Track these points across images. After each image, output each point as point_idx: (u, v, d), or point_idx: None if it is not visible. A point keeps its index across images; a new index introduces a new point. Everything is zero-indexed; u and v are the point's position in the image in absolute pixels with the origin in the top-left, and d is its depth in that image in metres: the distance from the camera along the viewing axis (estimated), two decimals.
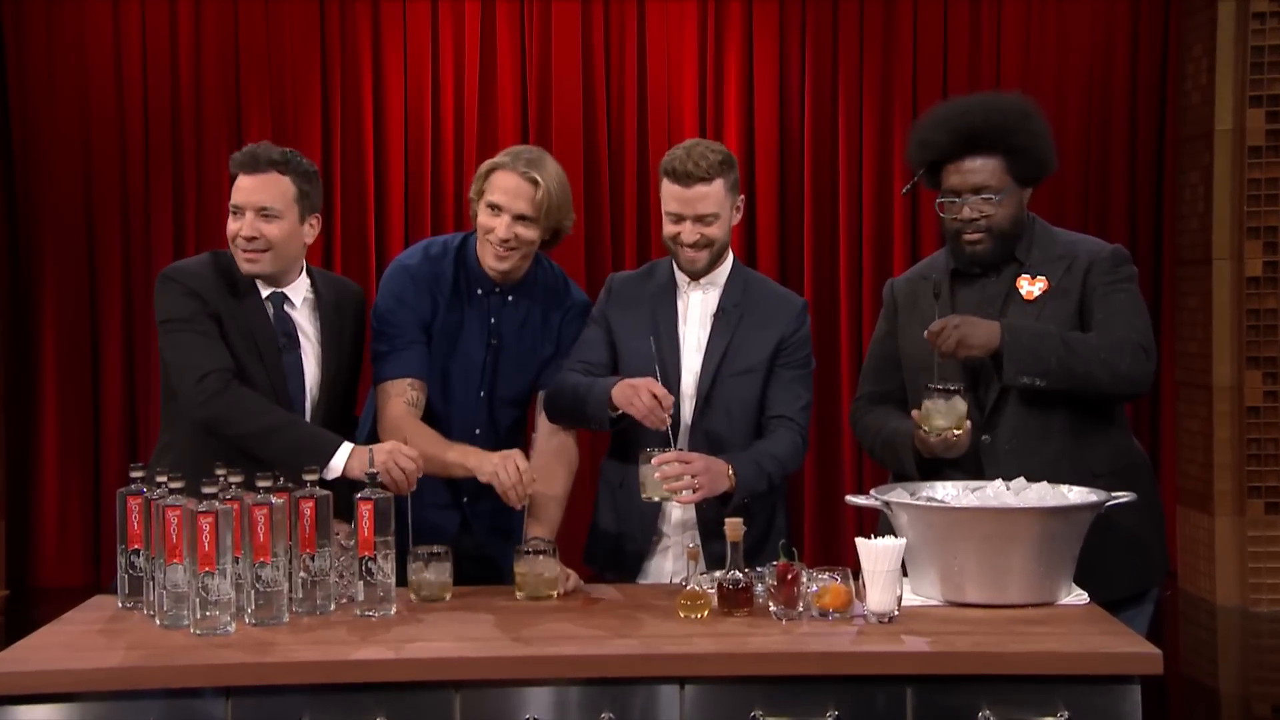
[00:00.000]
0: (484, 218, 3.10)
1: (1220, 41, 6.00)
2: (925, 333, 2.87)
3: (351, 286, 3.25)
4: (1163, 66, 6.44)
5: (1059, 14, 6.42)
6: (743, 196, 3.19)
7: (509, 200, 3.06)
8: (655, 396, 2.92)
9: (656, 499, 2.98)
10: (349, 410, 3.22)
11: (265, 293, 3.03)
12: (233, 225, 2.99)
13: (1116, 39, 6.44)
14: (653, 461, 2.92)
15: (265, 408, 2.91)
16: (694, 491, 2.92)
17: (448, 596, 2.81)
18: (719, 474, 2.97)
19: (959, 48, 6.43)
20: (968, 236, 2.99)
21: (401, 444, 2.88)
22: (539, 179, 3.05)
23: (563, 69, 6.35)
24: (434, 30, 6.36)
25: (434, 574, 2.81)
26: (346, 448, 2.87)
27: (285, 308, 3.05)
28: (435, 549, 2.83)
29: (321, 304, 3.10)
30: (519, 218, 3.07)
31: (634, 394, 2.93)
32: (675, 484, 2.91)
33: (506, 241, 3.08)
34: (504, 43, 6.35)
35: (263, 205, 2.98)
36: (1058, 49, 6.43)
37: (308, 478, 2.67)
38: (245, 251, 2.99)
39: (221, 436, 2.87)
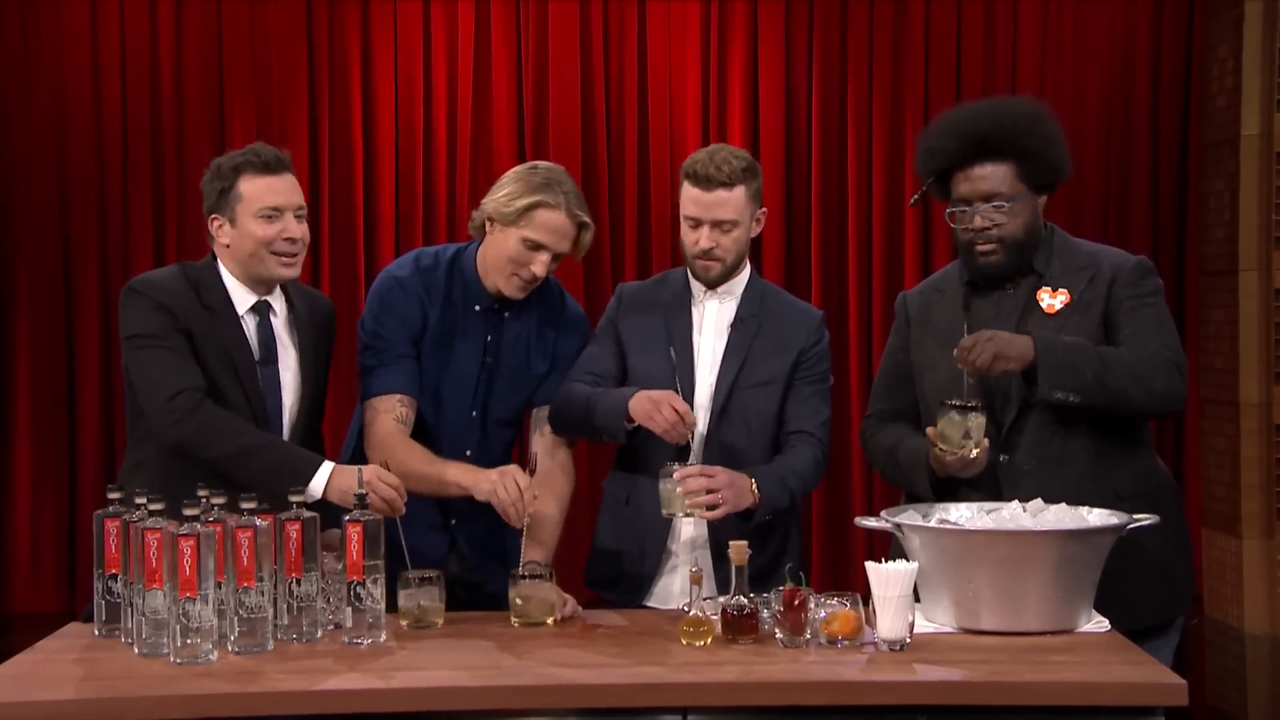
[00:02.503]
0: (518, 251, 3.09)
1: (1247, 43, 6.01)
2: (955, 349, 2.88)
3: (321, 298, 3.26)
4: (1186, 69, 6.46)
5: (1077, 14, 6.45)
6: (764, 210, 3.22)
7: (555, 241, 3.08)
8: (677, 412, 2.94)
9: (680, 515, 2.99)
10: (319, 426, 3.23)
11: (249, 302, 3.03)
12: (268, 229, 2.97)
13: (1138, 40, 6.46)
14: (674, 476, 2.93)
15: (240, 428, 2.91)
16: (718, 507, 2.94)
17: (439, 623, 2.81)
18: (743, 489, 2.99)
19: (972, 49, 6.45)
20: (980, 247, 3.00)
21: (382, 469, 2.88)
22: (588, 221, 3.10)
23: (560, 72, 6.37)
24: (426, 31, 6.37)
25: (425, 599, 2.81)
26: (326, 468, 2.87)
27: (270, 317, 3.06)
28: (426, 573, 2.83)
29: (297, 316, 3.11)
30: (557, 256, 3.10)
31: (654, 409, 2.95)
32: (699, 499, 2.92)
33: (539, 278, 3.11)
34: (499, 44, 6.37)
35: (300, 205, 3.02)
36: (1076, 51, 6.45)
37: (294, 499, 2.68)
38: (286, 255, 3.00)
39: (194, 459, 2.87)
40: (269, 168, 2.99)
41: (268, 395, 3.02)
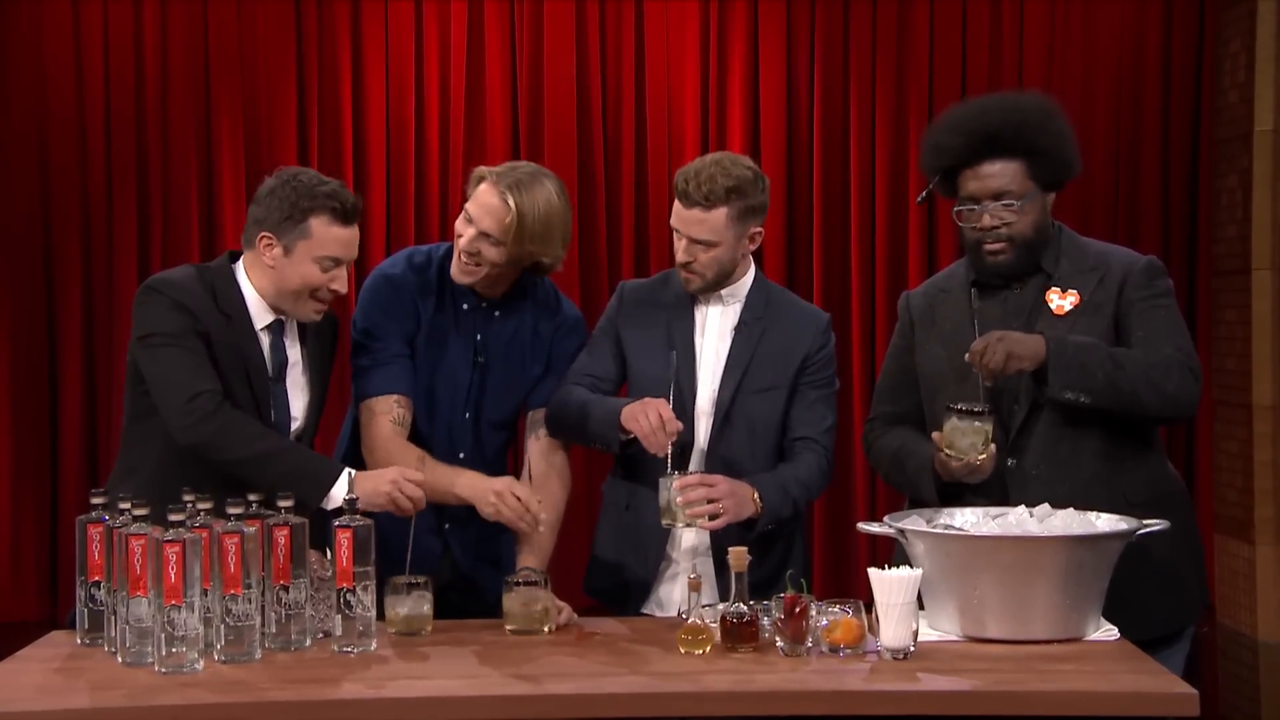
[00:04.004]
0: (459, 221, 3.13)
1: (1260, 36, 6.01)
2: (967, 354, 2.88)
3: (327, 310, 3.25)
4: (1198, 63, 6.46)
5: (1085, 8, 6.44)
6: (759, 230, 3.17)
7: (479, 215, 3.08)
8: (661, 418, 2.94)
9: (679, 525, 2.99)
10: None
11: (266, 320, 3.02)
12: (320, 277, 2.96)
13: (1148, 34, 6.46)
14: (674, 485, 2.93)
15: (260, 432, 2.91)
16: (718, 517, 2.94)
17: (428, 630, 2.82)
18: (744, 498, 3.00)
19: (978, 45, 6.44)
20: (989, 246, 3.01)
21: (404, 469, 2.90)
22: (512, 204, 3.04)
23: (555, 73, 6.35)
24: (418, 31, 6.36)
25: (413, 607, 2.81)
26: (347, 476, 2.87)
27: (284, 336, 3.06)
28: (415, 579, 2.83)
29: (305, 331, 3.10)
30: (484, 234, 3.08)
31: (641, 411, 2.96)
32: (698, 509, 2.92)
33: (471, 254, 3.10)
34: (492, 44, 6.36)
35: (354, 257, 3.03)
36: (1084, 45, 6.45)
37: (282, 504, 2.68)
38: (324, 303, 3.01)
39: (211, 462, 2.87)
40: (347, 218, 2.97)
41: (277, 412, 3.02)
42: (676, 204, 3.12)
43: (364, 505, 2.78)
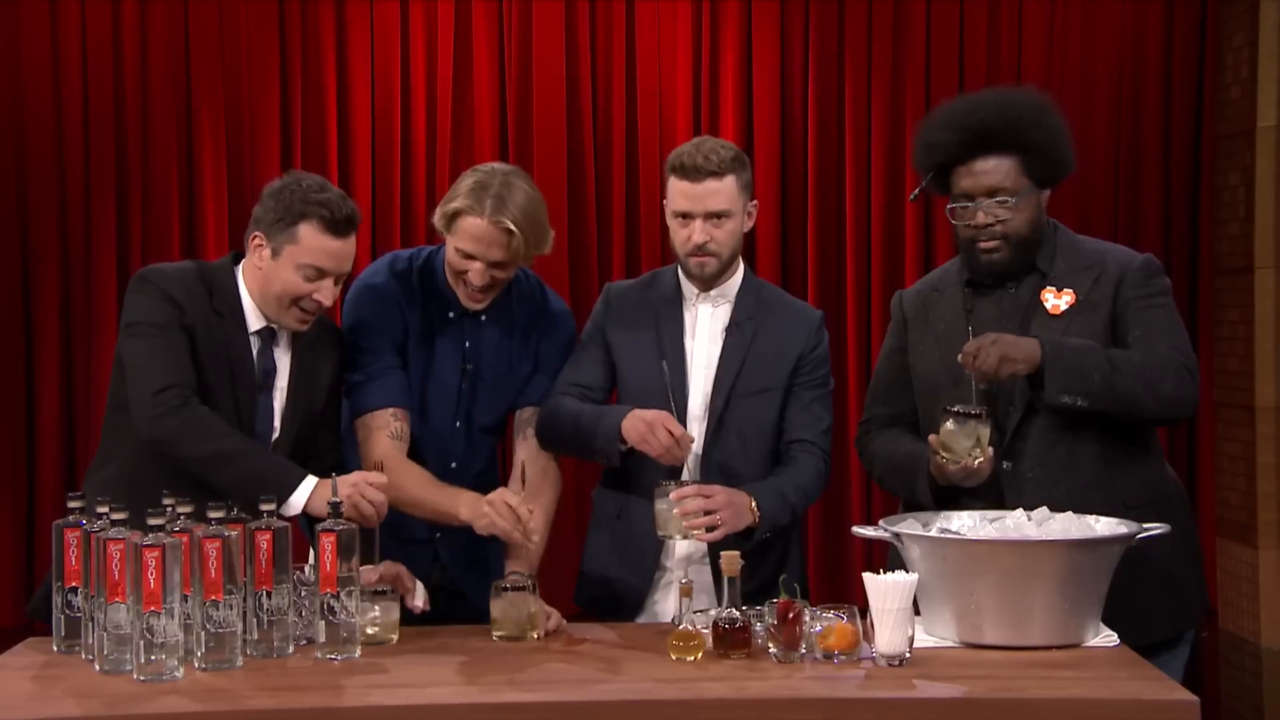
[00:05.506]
0: (455, 259, 3.09)
1: (1263, 31, 6.02)
2: (959, 356, 2.88)
3: (327, 323, 3.20)
4: (1200, 58, 6.47)
5: (1085, 1, 6.46)
6: (755, 202, 3.20)
7: (482, 250, 3.05)
8: (672, 434, 2.93)
9: (677, 537, 2.99)
10: (320, 454, 3.17)
11: (256, 325, 3.02)
12: (302, 286, 2.95)
13: (1149, 28, 6.47)
14: (671, 496, 2.93)
15: (224, 431, 2.89)
16: (715, 528, 2.94)
17: (394, 639, 2.80)
18: (742, 508, 2.99)
19: (976, 40, 6.45)
20: (983, 244, 3.01)
21: (369, 472, 2.88)
22: (509, 224, 3.01)
23: (545, 71, 6.34)
24: (404, 29, 6.34)
25: (378, 614, 2.79)
26: (309, 483, 2.86)
27: (273, 345, 3.05)
28: (379, 586, 2.82)
29: (297, 342, 3.09)
30: (494, 264, 3.07)
31: (648, 431, 2.95)
32: (696, 521, 2.92)
33: (485, 288, 3.09)
34: (480, 42, 6.35)
35: (346, 272, 3.01)
36: (1084, 39, 6.46)
37: (265, 508, 2.68)
38: (309, 314, 2.99)
39: (172, 458, 2.87)
40: (336, 229, 2.96)
41: (259, 420, 3.02)
42: (682, 185, 3.10)
43: (320, 514, 2.76)
